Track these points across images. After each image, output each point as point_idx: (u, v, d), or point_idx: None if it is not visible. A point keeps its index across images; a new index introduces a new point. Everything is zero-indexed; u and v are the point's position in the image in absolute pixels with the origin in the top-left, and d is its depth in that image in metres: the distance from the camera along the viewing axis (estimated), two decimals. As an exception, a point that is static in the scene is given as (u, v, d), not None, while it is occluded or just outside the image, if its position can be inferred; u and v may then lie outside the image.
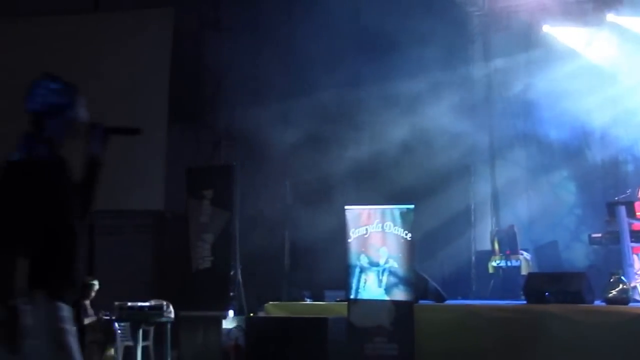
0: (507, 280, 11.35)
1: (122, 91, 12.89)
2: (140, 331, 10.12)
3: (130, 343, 10.30)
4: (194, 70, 13.40)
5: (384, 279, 8.72)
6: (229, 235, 11.55)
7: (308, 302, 10.79)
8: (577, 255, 11.96)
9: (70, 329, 3.63)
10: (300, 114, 11.92)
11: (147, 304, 10.17)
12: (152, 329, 10.58)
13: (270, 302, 10.47)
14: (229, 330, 10.47)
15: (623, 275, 9.47)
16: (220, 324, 10.50)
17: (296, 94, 12.27)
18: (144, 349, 10.37)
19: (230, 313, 10.81)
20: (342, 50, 12.40)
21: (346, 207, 9.09)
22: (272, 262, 12.30)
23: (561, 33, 12.78)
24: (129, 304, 10.11)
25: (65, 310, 3.62)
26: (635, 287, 9.73)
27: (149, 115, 12.71)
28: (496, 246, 11.92)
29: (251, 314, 10.62)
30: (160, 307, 10.08)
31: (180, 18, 13.51)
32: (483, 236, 12.88)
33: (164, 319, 10.17)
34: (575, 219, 12.29)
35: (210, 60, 12.93)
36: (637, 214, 10.39)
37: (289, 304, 10.70)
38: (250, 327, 9.84)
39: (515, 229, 11.83)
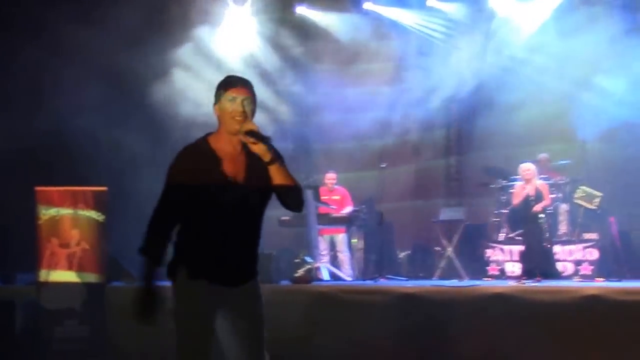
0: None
1: None
2: None
3: None
4: None
5: (75, 260, 8.51)
6: None
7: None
8: (269, 237, 12.44)
9: None
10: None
11: None
12: None
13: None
14: None
15: (308, 256, 10.06)
16: None
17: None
18: None
19: None
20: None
21: (36, 187, 8.70)
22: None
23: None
24: None
25: None
26: (320, 267, 10.35)
27: None
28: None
29: None
30: None
31: None
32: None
33: None
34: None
35: None
36: (322, 198, 11.05)
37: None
38: None
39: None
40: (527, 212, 9.74)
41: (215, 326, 3.99)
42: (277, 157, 3.94)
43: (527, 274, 9.39)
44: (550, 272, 9.46)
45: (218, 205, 3.94)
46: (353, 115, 13.37)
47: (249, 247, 4.04)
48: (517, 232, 10.56)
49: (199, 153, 3.99)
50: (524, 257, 9.86)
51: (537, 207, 9.64)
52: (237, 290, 3.99)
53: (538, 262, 9.47)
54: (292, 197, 4.01)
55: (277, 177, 3.94)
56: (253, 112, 4.03)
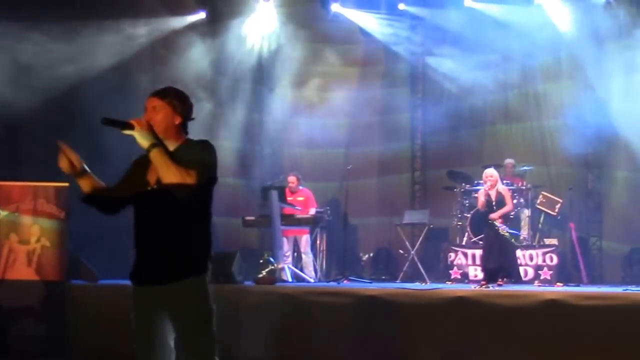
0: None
1: None
2: None
3: None
4: None
5: (35, 258, 8.40)
6: None
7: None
8: (233, 237, 12.34)
9: None
10: None
11: None
12: None
13: None
14: None
15: (272, 257, 10.02)
16: None
17: None
18: None
19: None
20: None
21: (-3, 183, 8.58)
22: None
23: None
24: None
25: None
26: (284, 268, 10.29)
27: None
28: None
29: None
30: None
31: None
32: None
33: None
34: (232, 202, 12.64)
35: None
36: (288, 199, 11.02)
37: None
38: None
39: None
40: (488, 217, 9.78)
41: (158, 327, 4.03)
42: (157, 145, 3.93)
43: (489, 277, 9.44)
44: (513, 275, 9.51)
45: (138, 209, 4.11)
46: (322, 121, 13.30)
47: (169, 248, 4.00)
48: (479, 237, 10.63)
49: (145, 158, 4.07)
50: (484, 261, 9.91)
51: (494, 215, 9.67)
52: (163, 290, 3.97)
53: (499, 266, 9.52)
54: (175, 188, 3.89)
55: (157, 164, 3.91)
56: (165, 118, 4.07)
